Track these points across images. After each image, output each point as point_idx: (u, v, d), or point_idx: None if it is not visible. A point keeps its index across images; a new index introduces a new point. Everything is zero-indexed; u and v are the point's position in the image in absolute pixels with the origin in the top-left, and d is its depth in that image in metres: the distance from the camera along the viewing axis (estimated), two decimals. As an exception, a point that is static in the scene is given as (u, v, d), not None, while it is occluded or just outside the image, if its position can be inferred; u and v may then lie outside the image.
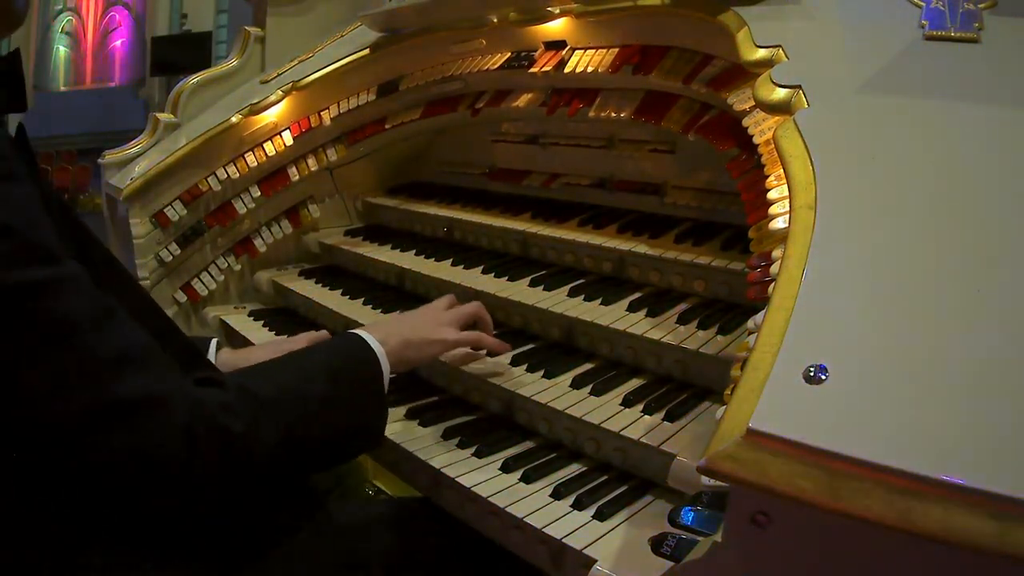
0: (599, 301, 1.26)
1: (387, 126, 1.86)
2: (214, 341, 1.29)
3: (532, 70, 1.46)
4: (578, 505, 0.95)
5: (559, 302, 1.29)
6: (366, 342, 1.04)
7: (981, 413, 0.52)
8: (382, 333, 1.08)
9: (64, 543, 0.77)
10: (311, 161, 1.91)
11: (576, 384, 1.13)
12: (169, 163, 1.76)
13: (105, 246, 0.96)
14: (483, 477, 1.02)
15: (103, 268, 0.81)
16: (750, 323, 0.73)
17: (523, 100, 1.58)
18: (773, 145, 0.83)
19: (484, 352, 1.24)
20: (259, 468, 0.82)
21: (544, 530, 0.90)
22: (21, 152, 0.78)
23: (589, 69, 1.36)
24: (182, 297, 1.87)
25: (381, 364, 1.03)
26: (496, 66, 1.55)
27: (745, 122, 0.99)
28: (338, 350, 1.04)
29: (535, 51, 1.49)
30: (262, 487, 0.87)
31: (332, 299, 1.66)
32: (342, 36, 1.99)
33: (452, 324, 1.18)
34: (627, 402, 1.06)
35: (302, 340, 1.33)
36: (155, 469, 0.73)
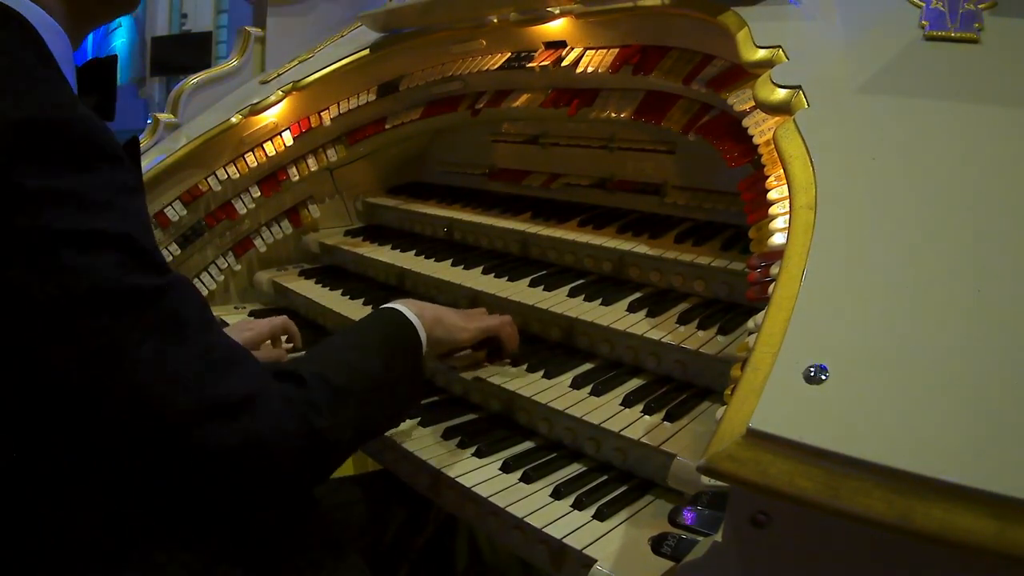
0: (599, 301, 1.26)
1: (387, 126, 1.87)
2: None
3: (531, 66, 1.46)
4: (578, 505, 0.95)
5: (559, 302, 1.29)
6: (404, 315, 1.08)
7: (981, 413, 0.52)
8: (417, 307, 1.11)
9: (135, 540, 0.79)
10: (311, 161, 1.91)
11: (576, 384, 1.13)
12: (169, 163, 1.76)
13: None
14: (483, 477, 1.02)
15: None
16: (750, 323, 0.73)
17: (523, 100, 1.58)
18: (773, 145, 0.83)
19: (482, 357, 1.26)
20: (338, 457, 0.89)
21: (544, 530, 0.90)
22: (133, 161, 0.81)
23: (589, 69, 1.36)
24: (182, 297, 1.87)
25: (420, 335, 1.08)
26: (496, 66, 1.55)
27: (745, 122, 0.99)
28: (386, 326, 1.08)
29: (535, 51, 1.49)
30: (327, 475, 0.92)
31: (332, 299, 1.66)
32: (342, 36, 1.99)
33: (479, 320, 1.22)
34: (627, 402, 1.06)
35: (264, 324, 1.40)
36: (254, 464, 0.76)
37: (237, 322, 1.46)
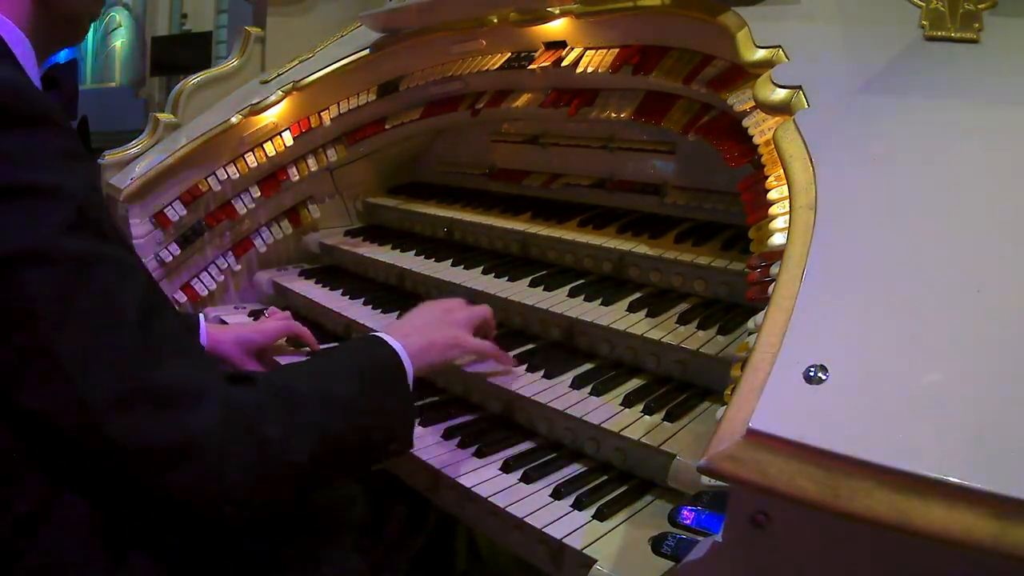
0: (599, 301, 1.26)
1: (387, 126, 1.87)
2: (200, 315, 1.33)
3: (531, 67, 1.46)
4: (578, 505, 0.95)
5: (559, 302, 1.29)
6: (386, 342, 1.00)
7: (981, 413, 0.52)
8: (401, 335, 1.04)
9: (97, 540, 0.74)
10: (311, 161, 1.91)
11: (576, 384, 1.13)
12: (169, 163, 1.76)
13: (127, 239, 0.96)
14: (483, 477, 1.02)
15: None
16: (750, 323, 0.73)
17: (523, 100, 1.58)
18: (773, 145, 0.83)
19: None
20: (294, 473, 0.79)
21: (544, 530, 0.90)
22: (82, 138, 0.79)
23: (589, 69, 1.36)
24: (182, 297, 1.87)
25: (405, 365, 0.99)
26: (496, 66, 1.55)
27: (745, 122, 0.99)
28: (360, 352, 1.00)
29: (535, 51, 1.49)
30: (301, 494, 0.84)
31: (332, 299, 1.66)
32: (342, 36, 1.99)
33: (466, 326, 1.15)
34: (627, 402, 1.06)
35: (270, 322, 1.40)
36: (184, 461, 0.69)
37: (243, 326, 1.46)
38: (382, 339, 1.01)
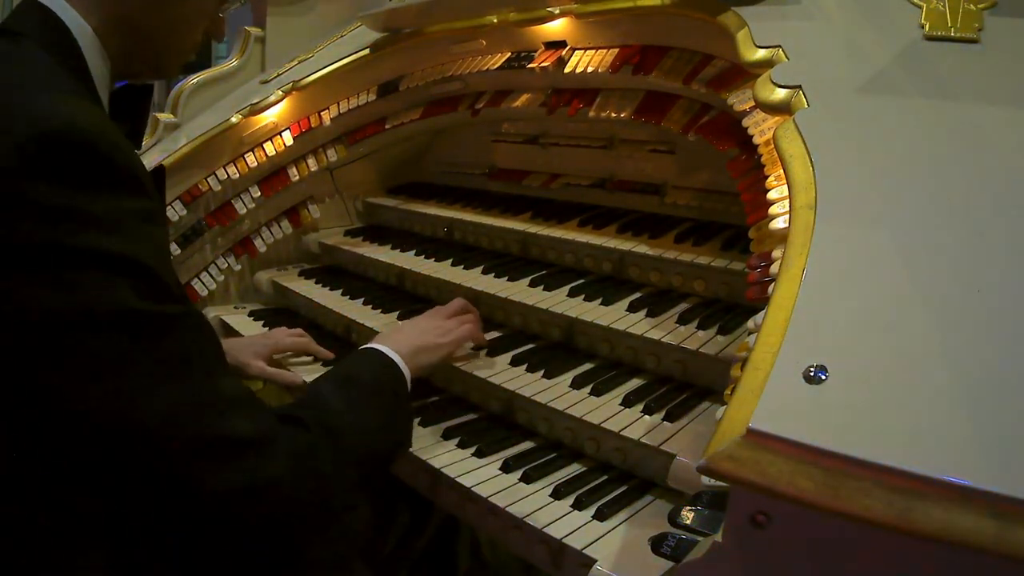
0: (599, 301, 1.26)
1: (387, 126, 1.87)
2: None
3: (531, 66, 1.46)
4: (578, 505, 0.95)
5: (559, 302, 1.29)
6: (389, 358, 1.08)
7: (981, 413, 0.52)
8: (394, 343, 1.11)
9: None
10: (311, 161, 1.91)
11: (576, 384, 1.13)
12: (169, 163, 1.76)
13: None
14: (483, 477, 1.02)
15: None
16: (750, 323, 0.73)
17: (523, 100, 1.58)
18: (773, 145, 0.83)
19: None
20: (339, 502, 0.85)
21: (544, 530, 0.90)
22: (158, 191, 0.82)
23: (589, 69, 1.36)
24: (182, 297, 1.87)
25: (404, 375, 1.08)
26: (496, 66, 1.55)
27: (745, 122, 0.99)
28: (376, 374, 1.07)
29: (535, 51, 1.49)
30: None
31: (332, 299, 1.66)
32: (342, 36, 1.99)
33: (453, 324, 1.22)
34: (627, 402, 1.06)
35: (278, 333, 1.43)
36: (257, 508, 0.75)
37: (255, 335, 1.48)
38: (388, 357, 1.09)
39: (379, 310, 1.54)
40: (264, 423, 0.77)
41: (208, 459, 0.71)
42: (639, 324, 1.17)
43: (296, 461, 0.78)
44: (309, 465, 0.80)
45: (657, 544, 0.83)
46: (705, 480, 0.64)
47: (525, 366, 1.21)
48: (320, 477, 0.81)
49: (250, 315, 1.83)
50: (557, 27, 1.44)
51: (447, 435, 1.15)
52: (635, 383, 1.13)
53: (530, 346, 1.29)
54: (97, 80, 0.81)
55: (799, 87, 0.87)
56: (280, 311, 1.84)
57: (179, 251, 1.83)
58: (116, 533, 0.75)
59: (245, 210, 1.88)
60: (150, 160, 1.82)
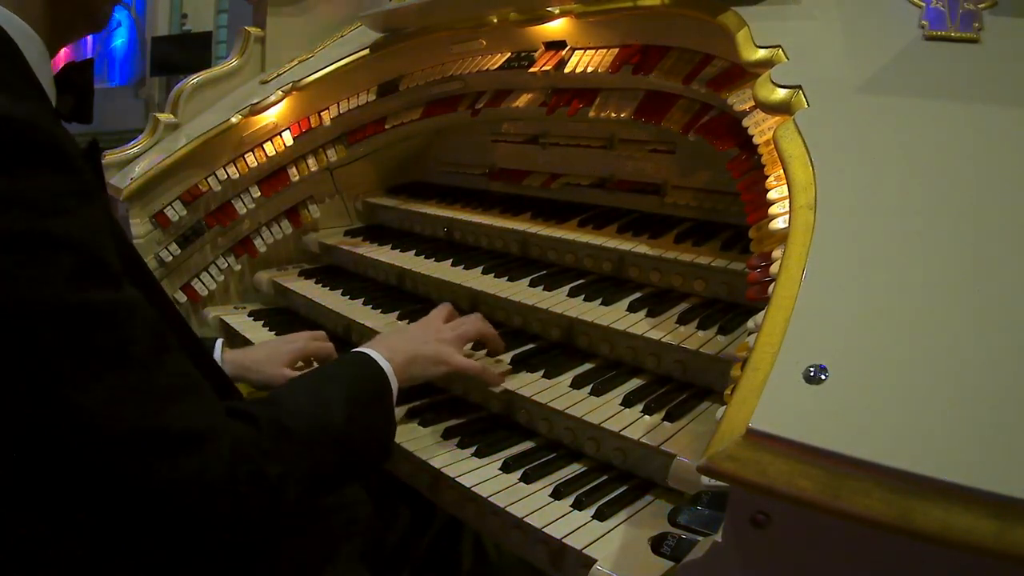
0: (599, 301, 1.26)
1: (387, 126, 1.87)
2: (219, 341, 1.31)
3: (532, 70, 1.46)
4: (578, 505, 0.95)
5: (559, 302, 1.29)
6: (375, 361, 1.04)
7: (981, 413, 0.52)
8: (387, 349, 1.07)
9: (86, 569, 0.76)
10: (311, 161, 1.92)
11: (576, 384, 1.13)
12: (169, 163, 1.76)
13: (145, 263, 0.95)
14: (483, 477, 1.02)
15: (145, 289, 0.80)
16: (750, 323, 0.73)
17: (523, 100, 1.58)
18: (773, 145, 0.83)
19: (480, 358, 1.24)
20: (288, 507, 0.83)
21: (544, 530, 0.90)
22: (92, 167, 0.79)
23: (589, 69, 1.36)
24: (182, 297, 1.87)
25: (390, 381, 1.03)
26: (496, 66, 1.55)
27: (745, 122, 0.99)
28: (352, 374, 1.02)
29: (535, 51, 1.49)
30: (284, 518, 0.87)
31: (332, 299, 1.66)
32: (342, 36, 1.99)
33: (456, 344, 1.16)
34: (627, 402, 1.06)
35: (300, 339, 1.37)
36: (194, 504, 0.73)
37: (274, 341, 1.45)
38: (371, 359, 1.05)
39: (379, 310, 1.54)
40: (206, 418, 0.75)
41: (145, 453, 0.69)
42: (639, 324, 1.17)
43: (237, 458, 0.75)
44: (250, 464, 0.77)
45: (657, 544, 0.83)
46: (705, 480, 0.64)
47: (525, 366, 1.21)
48: (262, 477, 0.78)
49: (250, 315, 1.83)
50: (557, 27, 1.44)
51: (447, 435, 1.15)
52: (635, 383, 1.13)
53: (530, 346, 1.29)
54: (33, 61, 0.79)
55: (799, 87, 0.87)
56: (280, 311, 1.84)
57: (179, 251, 1.83)
58: (86, 528, 0.74)
59: (245, 210, 1.88)
60: (150, 160, 1.82)
